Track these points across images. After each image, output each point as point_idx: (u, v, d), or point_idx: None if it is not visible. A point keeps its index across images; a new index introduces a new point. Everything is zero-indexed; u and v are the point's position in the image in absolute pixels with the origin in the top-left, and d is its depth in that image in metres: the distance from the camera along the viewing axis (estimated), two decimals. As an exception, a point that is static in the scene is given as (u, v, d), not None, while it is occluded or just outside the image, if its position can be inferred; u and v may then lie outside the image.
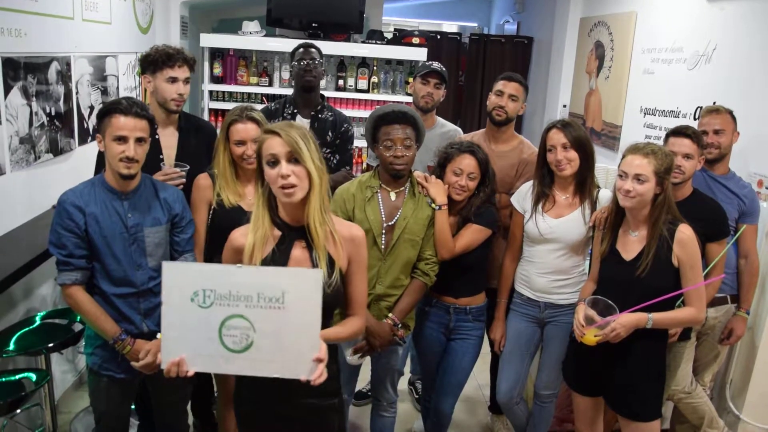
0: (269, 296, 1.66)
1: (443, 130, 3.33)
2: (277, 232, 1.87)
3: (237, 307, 1.67)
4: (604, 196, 2.62)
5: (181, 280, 1.67)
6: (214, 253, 2.54)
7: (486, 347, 2.88)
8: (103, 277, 2.22)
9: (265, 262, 1.83)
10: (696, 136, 2.69)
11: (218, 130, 2.68)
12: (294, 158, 1.77)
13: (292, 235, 1.87)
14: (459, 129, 3.43)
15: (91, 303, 2.20)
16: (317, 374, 1.68)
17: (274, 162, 1.77)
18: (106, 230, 2.19)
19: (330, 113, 3.33)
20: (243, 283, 1.66)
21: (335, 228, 1.89)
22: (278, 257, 1.85)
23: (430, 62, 3.40)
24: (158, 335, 2.28)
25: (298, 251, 1.86)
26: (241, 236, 1.88)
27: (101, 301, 2.23)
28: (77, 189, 2.22)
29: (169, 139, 2.77)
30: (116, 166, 2.17)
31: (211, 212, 2.50)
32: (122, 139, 2.14)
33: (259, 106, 3.56)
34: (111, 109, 2.16)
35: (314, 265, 1.84)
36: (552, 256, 2.66)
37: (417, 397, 3.64)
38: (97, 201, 2.20)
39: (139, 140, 2.17)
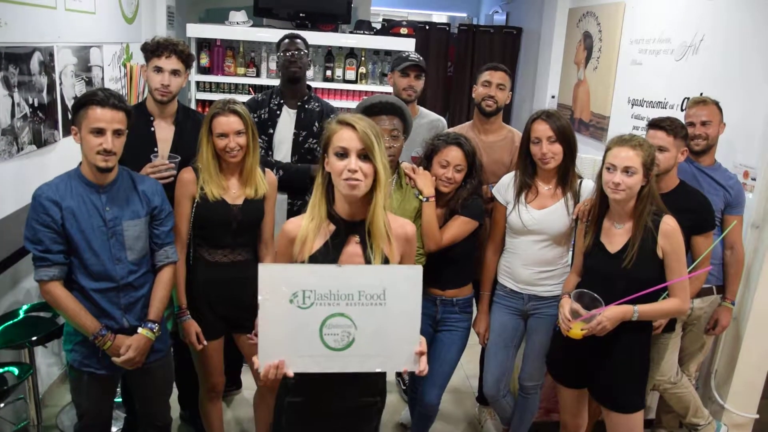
0: (371, 294, 1.69)
1: (426, 120, 3.32)
2: (331, 226, 1.84)
3: (338, 306, 1.68)
4: (587, 186, 2.61)
5: (279, 282, 1.66)
6: (198, 247, 2.54)
7: (474, 338, 2.88)
8: (81, 272, 2.19)
9: (317, 254, 1.81)
10: (672, 128, 2.65)
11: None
12: (364, 155, 1.74)
13: (347, 229, 1.84)
14: (442, 119, 3.42)
15: (70, 299, 2.16)
16: (422, 366, 1.74)
17: (343, 154, 1.74)
18: (83, 224, 2.15)
19: (317, 104, 3.32)
20: (344, 282, 1.67)
21: (390, 226, 1.87)
22: (331, 251, 1.82)
23: (407, 53, 3.37)
24: (139, 330, 2.27)
25: (351, 246, 1.84)
26: (295, 227, 1.86)
27: (80, 296, 2.19)
28: (53, 183, 2.17)
29: (164, 131, 2.75)
30: (93, 159, 2.13)
31: (194, 206, 2.48)
32: (99, 132, 2.10)
33: (245, 98, 3.54)
34: (87, 100, 2.11)
35: (367, 261, 1.82)
36: (535, 247, 2.66)
37: (404, 388, 3.64)
38: (73, 195, 2.16)
39: (117, 132, 2.13)
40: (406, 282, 1.71)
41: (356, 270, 1.73)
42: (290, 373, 1.69)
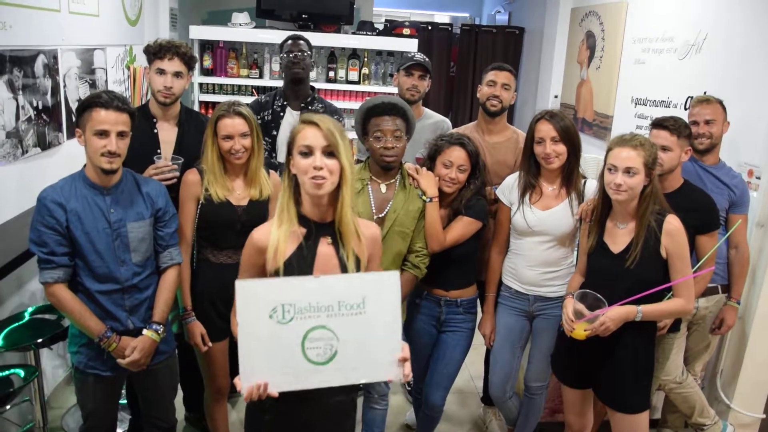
0: (350, 303, 1.66)
1: (430, 121, 3.32)
2: (301, 229, 1.82)
3: (319, 318, 1.64)
4: (591, 186, 2.61)
5: (257, 299, 1.62)
6: (202, 248, 2.55)
7: (479, 339, 2.88)
8: (86, 274, 2.19)
9: (292, 259, 1.80)
10: (676, 128, 2.64)
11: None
12: (329, 152, 1.74)
13: (318, 231, 1.83)
14: (447, 120, 3.42)
15: (75, 301, 2.17)
16: (406, 373, 1.71)
17: (308, 153, 1.74)
18: (88, 226, 2.16)
19: (320, 105, 3.32)
20: (323, 294, 1.64)
21: (359, 225, 1.86)
22: (305, 254, 1.81)
23: (413, 53, 3.39)
24: (144, 331, 2.28)
25: (324, 248, 1.83)
26: (263, 235, 1.83)
27: (85, 298, 2.20)
28: (57, 185, 2.18)
29: (167, 133, 2.76)
30: (98, 161, 2.14)
31: (199, 207, 2.49)
32: (103, 134, 2.11)
33: (249, 99, 3.55)
34: (91, 102, 2.12)
35: (341, 261, 1.81)
36: (540, 248, 2.65)
37: (409, 389, 3.64)
38: (78, 197, 2.17)
39: (121, 134, 2.14)
40: (384, 289, 1.69)
41: (334, 280, 1.70)
42: (275, 393, 1.65)
